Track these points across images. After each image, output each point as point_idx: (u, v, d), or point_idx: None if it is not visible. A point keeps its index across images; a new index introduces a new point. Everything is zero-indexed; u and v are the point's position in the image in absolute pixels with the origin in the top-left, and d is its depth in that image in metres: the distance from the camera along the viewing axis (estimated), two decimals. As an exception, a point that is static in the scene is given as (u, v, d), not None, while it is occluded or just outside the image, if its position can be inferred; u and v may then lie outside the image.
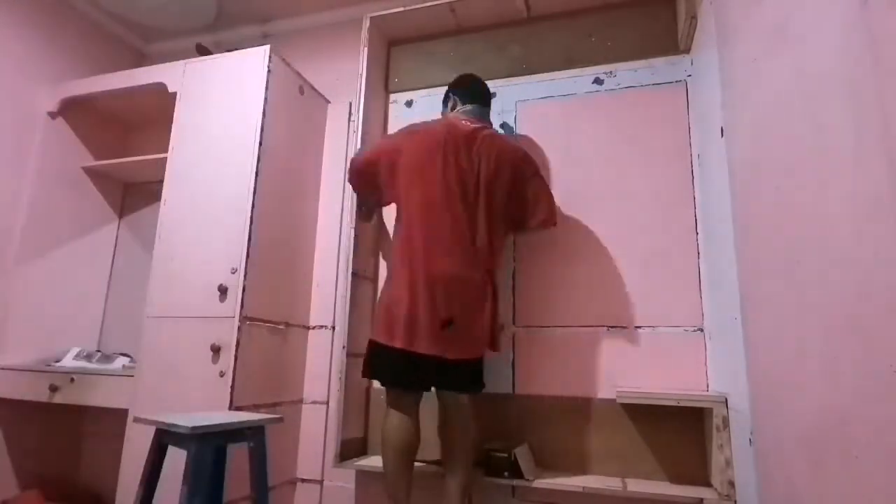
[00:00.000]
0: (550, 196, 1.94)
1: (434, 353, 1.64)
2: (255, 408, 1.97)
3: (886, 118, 0.69)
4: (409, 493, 1.71)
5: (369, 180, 1.93)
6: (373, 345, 1.75)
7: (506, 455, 1.80)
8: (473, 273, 1.71)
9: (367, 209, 2.14)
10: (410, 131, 1.90)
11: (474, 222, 1.74)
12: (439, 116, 2.02)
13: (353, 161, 2.02)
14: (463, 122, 1.86)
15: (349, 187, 2.25)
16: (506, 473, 1.79)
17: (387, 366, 1.73)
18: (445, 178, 1.74)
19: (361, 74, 2.28)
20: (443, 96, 2.06)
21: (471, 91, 1.99)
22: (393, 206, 1.89)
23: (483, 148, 1.80)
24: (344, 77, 2.53)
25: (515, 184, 1.84)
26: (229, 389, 1.86)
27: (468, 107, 1.93)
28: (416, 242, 1.71)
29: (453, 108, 1.97)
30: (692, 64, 2.04)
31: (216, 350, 1.92)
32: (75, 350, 2.32)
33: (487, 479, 1.81)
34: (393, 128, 2.47)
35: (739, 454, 1.51)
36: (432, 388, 1.77)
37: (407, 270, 1.70)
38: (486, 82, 2.33)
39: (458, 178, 1.75)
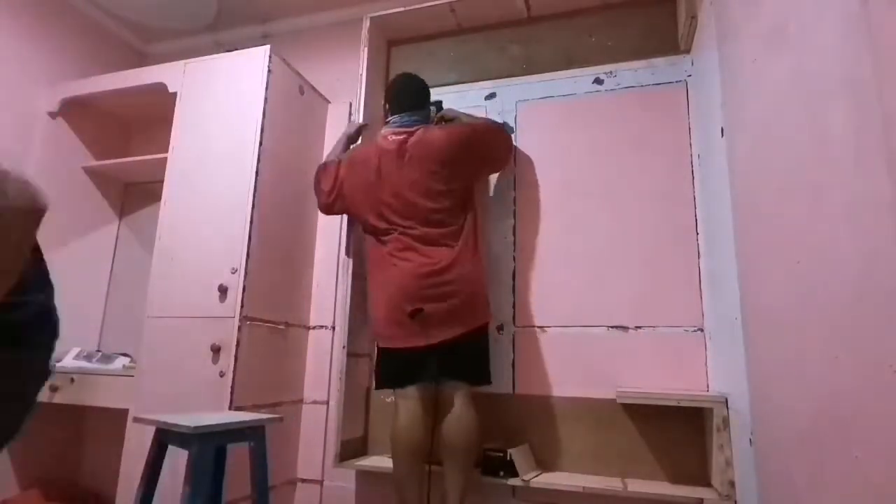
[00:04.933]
0: (495, 131, 2.01)
1: (412, 346, 1.70)
2: (255, 408, 1.97)
3: (886, 118, 0.69)
4: (422, 495, 1.67)
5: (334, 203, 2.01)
6: (378, 351, 1.89)
7: (501, 454, 1.80)
8: (441, 256, 1.76)
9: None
10: (351, 161, 1.96)
11: (437, 211, 1.81)
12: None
13: (320, 189, 2.02)
14: (390, 137, 1.89)
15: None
16: (501, 473, 1.79)
17: (380, 367, 1.86)
18: (390, 198, 1.83)
19: (361, 74, 2.28)
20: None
21: (395, 99, 1.98)
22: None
23: (415, 152, 1.84)
24: (344, 77, 2.53)
25: (468, 156, 1.89)
26: (229, 389, 1.86)
27: (394, 118, 1.94)
28: (383, 250, 1.83)
29: (384, 123, 1.99)
30: (692, 64, 2.04)
31: (216, 350, 1.92)
32: (75, 350, 2.31)
33: (485, 478, 1.81)
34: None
35: (739, 454, 1.51)
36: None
37: (379, 274, 1.83)
38: (486, 82, 2.35)
39: (405, 191, 1.81)
